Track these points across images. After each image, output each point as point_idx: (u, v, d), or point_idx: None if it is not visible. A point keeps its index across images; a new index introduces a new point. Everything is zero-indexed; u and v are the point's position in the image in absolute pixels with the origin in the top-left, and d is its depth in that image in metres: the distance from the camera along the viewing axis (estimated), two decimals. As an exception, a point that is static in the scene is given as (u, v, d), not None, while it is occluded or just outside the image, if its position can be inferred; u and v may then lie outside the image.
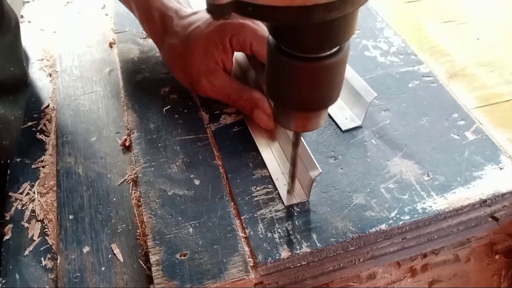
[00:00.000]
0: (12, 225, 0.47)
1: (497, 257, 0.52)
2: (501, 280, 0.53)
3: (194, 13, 0.54)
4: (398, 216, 0.44)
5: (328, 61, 0.32)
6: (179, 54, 0.52)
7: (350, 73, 0.53)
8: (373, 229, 0.43)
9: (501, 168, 0.48)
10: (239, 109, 0.53)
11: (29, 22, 0.70)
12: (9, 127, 0.50)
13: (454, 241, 0.49)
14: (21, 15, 0.71)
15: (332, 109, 0.53)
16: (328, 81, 0.34)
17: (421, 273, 0.50)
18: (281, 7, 0.26)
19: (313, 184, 0.44)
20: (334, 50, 0.33)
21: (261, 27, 0.50)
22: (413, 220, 0.44)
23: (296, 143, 0.41)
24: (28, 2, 0.75)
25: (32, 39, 0.67)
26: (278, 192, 0.46)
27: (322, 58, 0.32)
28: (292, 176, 0.44)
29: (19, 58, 0.53)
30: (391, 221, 0.43)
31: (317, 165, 0.43)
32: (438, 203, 0.45)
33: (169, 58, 0.55)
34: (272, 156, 0.49)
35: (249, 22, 0.50)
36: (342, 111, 0.53)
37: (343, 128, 0.52)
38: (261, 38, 0.50)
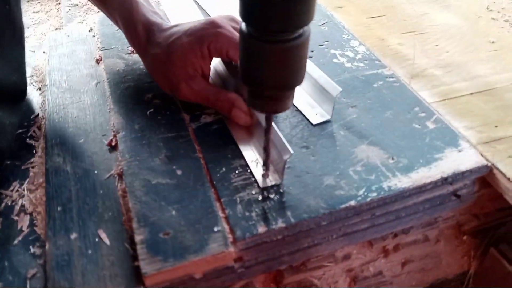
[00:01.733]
0: (1, 219, 0.49)
1: (465, 238, 0.55)
2: (471, 260, 0.56)
3: (175, 26, 0.59)
4: (366, 193, 0.47)
5: (292, 43, 0.38)
6: (161, 62, 0.57)
7: (317, 73, 0.58)
8: (343, 205, 0.46)
9: (460, 151, 0.52)
10: (217, 110, 0.57)
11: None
12: (5, 132, 0.53)
13: (422, 220, 0.52)
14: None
15: (303, 106, 0.58)
16: (293, 62, 0.39)
17: (394, 253, 0.52)
18: None
19: (286, 167, 0.48)
20: (296, 34, 0.38)
21: (236, 35, 0.55)
22: (380, 196, 0.47)
23: (268, 126, 0.45)
24: (19, 28, 0.80)
25: (23, 59, 0.71)
26: (255, 178, 0.49)
27: (287, 40, 0.37)
28: (266, 159, 0.47)
29: (22, 69, 0.57)
30: (360, 198, 0.47)
31: (289, 148, 0.46)
32: (402, 182, 0.48)
33: (152, 67, 0.59)
34: (249, 147, 0.53)
35: (225, 30, 0.55)
36: (312, 108, 0.58)
37: (314, 122, 0.56)
38: (236, 45, 0.55)
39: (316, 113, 0.57)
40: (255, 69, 0.40)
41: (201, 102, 0.57)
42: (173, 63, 0.56)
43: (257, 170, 0.50)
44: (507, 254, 0.52)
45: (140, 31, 0.59)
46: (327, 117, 0.56)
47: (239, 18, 0.38)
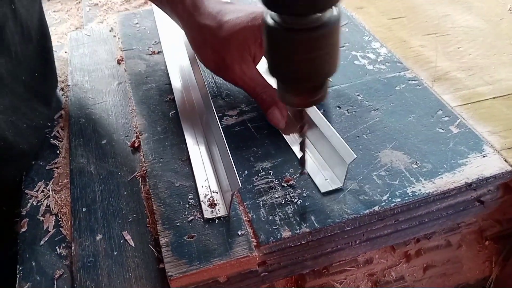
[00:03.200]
0: (28, 219, 0.50)
1: (487, 243, 0.55)
2: (493, 266, 0.55)
3: (229, 3, 0.57)
4: (390, 199, 0.47)
5: (321, 31, 0.34)
6: (215, 36, 0.54)
7: (329, 132, 0.50)
8: (367, 211, 0.46)
9: (484, 156, 0.51)
10: (258, 102, 0.56)
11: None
12: (36, 132, 0.55)
13: (445, 225, 0.52)
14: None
15: (312, 169, 0.51)
16: (323, 51, 0.36)
17: (415, 258, 0.52)
18: None
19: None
20: (324, 19, 0.34)
21: None
22: (404, 202, 0.47)
23: (301, 122, 0.43)
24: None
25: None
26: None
27: (316, 28, 0.34)
28: (302, 148, 0.45)
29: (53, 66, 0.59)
30: (384, 203, 0.47)
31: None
32: (426, 187, 0.48)
33: (199, 38, 0.56)
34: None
35: None
36: (323, 171, 0.50)
37: (322, 190, 0.48)
38: None
39: (326, 178, 0.50)
40: (284, 60, 0.37)
41: (246, 89, 0.56)
42: (231, 42, 0.54)
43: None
44: (530, 261, 0.52)
45: None
46: (339, 185, 0.48)
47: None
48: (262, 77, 0.56)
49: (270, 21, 0.35)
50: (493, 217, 0.54)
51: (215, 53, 0.55)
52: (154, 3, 0.63)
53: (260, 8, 0.55)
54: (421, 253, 0.52)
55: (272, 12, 0.35)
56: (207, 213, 0.46)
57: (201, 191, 0.48)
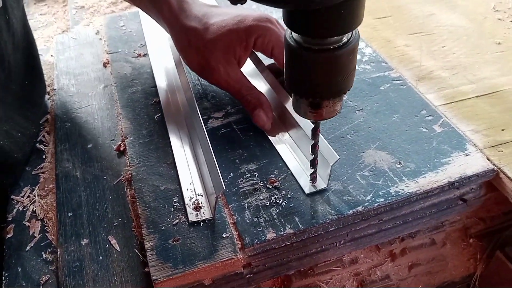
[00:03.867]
0: (14, 225, 0.50)
1: (471, 241, 0.55)
2: (477, 263, 0.56)
3: (215, 6, 0.57)
4: (373, 199, 0.47)
5: (340, 51, 0.36)
6: (199, 39, 0.55)
7: None
8: (351, 211, 0.46)
9: (466, 155, 0.52)
10: (243, 104, 0.57)
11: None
12: (23, 142, 0.55)
13: (429, 224, 0.52)
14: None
15: (296, 170, 0.51)
16: (341, 70, 0.37)
17: (401, 257, 0.53)
18: None
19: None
20: (344, 40, 0.36)
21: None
22: (387, 202, 0.47)
23: (315, 134, 0.44)
24: (26, 31, 0.80)
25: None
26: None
27: (335, 49, 0.36)
28: (314, 164, 0.47)
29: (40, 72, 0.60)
30: (367, 203, 0.47)
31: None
32: (409, 187, 0.49)
33: (184, 40, 0.56)
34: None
35: (275, 28, 0.54)
36: (307, 172, 0.50)
37: (307, 192, 0.49)
38: (283, 45, 0.54)
39: (310, 179, 0.50)
40: (302, 77, 0.38)
41: (231, 91, 0.56)
42: (216, 45, 0.54)
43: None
44: (512, 258, 0.53)
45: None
46: (323, 185, 0.49)
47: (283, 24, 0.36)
48: (247, 79, 0.57)
49: (291, 40, 0.37)
50: (477, 215, 0.55)
51: (200, 55, 0.55)
52: (140, 8, 0.63)
53: (246, 11, 0.55)
54: (406, 252, 0.53)
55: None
56: (192, 216, 0.47)
57: (186, 194, 0.49)
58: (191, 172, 0.51)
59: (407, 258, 0.54)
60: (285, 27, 0.37)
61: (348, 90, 0.40)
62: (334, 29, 0.34)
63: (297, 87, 0.40)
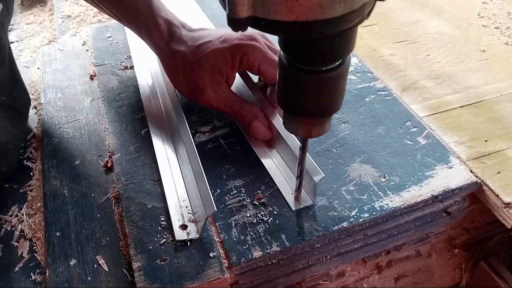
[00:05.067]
0: (2, 245, 0.50)
1: (456, 251, 0.56)
2: (463, 273, 0.57)
3: (201, 29, 0.59)
4: (358, 214, 0.48)
5: (332, 73, 0.37)
6: (187, 62, 0.56)
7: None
8: (336, 227, 0.47)
9: (450, 167, 0.53)
10: (238, 120, 0.57)
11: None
12: (8, 155, 0.55)
13: (414, 237, 0.53)
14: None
15: (283, 185, 0.52)
16: (333, 90, 0.38)
17: (387, 269, 0.54)
18: (288, 22, 0.31)
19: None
20: (337, 63, 0.37)
21: (269, 51, 0.55)
22: (372, 217, 0.48)
23: (303, 150, 0.45)
24: (12, 42, 0.80)
25: (17, 76, 0.71)
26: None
27: (328, 71, 0.37)
28: (300, 181, 0.47)
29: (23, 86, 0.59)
30: (352, 219, 0.48)
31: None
32: (394, 201, 0.49)
33: (173, 64, 0.58)
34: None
35: (260, 45, 0.55)
36: (293, 188, 0.51)
37: (293, 208, 0.49)
38: (269, 61, 0.55)
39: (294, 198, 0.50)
40: (294, 96, 0.39)
41: (223, 109, 0.57)
42: (202, 66, 0.55)
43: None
44: (495, 267, 0.54)
45: (162, 25, 0.58)
46: (309, 202, 0.49)
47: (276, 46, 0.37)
48: (237, 95, 0.57)
49: (284, 59, 0.37)
50: (462, 226, 0.56)
51: (187, 78, 0.56)
52: (131, 30, 0.64)
53: (228, 29, 0.55)
54: (392, 264, 0.54)
55: None
56: (179, 235, 0.47)
57: (173, 212, 0.49)
58: (177, 189, 0.51)
59: (393, 270, 0.55)
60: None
61: (338, 110, 0.40)
62: (329, 56, 0.36)
63: (288, 105, 0.41)
